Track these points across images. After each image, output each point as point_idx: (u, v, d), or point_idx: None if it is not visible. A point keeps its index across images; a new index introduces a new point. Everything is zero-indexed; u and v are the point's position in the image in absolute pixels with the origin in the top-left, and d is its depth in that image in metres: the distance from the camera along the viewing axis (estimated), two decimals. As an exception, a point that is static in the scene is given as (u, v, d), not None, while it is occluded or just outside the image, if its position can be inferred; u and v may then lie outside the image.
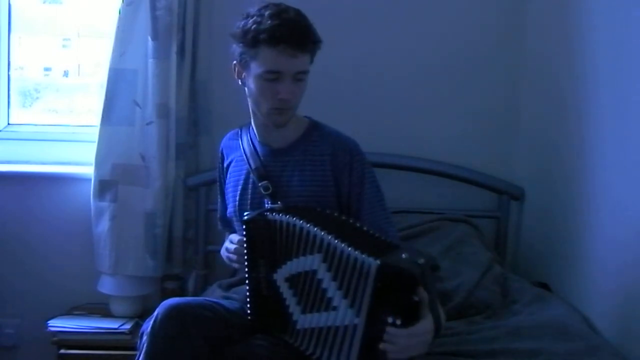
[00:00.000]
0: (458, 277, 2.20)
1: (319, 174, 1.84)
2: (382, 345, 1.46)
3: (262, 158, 1.88)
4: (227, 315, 1.72)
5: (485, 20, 2.66)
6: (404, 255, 1.49)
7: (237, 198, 1.91)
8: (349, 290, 1.54)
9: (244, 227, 1.71)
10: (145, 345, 1.64)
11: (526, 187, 2.64)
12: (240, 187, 1.91)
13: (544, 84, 2.57)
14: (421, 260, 1.48)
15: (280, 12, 1.73)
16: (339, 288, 1.56)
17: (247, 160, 1.89)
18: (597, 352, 1.79)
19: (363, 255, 1.51)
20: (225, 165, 2.00)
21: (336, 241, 1.57)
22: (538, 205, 2.58)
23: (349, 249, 1.54)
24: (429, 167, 2.60)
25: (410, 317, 1.48)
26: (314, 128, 1.90)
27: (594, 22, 2.21)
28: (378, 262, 1.48)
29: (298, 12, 1.76)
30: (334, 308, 1.57)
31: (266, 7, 1.75)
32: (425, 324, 1.49)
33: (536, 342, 1.85)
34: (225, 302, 1.81)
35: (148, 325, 1.67)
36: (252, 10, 1.76)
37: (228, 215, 1.99)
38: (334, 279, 1.58)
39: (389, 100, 2.65)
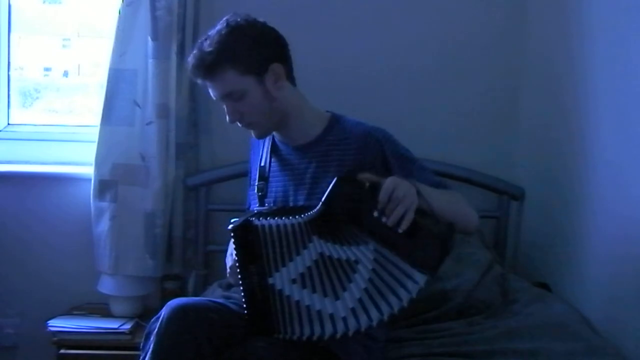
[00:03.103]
0: (458, 277, 2.20)
1: (344, 168, 1.80)
2: (389, 222, 1.53)
3: (285, 155, 1.88)
4: (231, 317, 1.72)
5: (486, 19, 2.66)
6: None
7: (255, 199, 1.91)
8: (346, 238, 1.59)
9: (231, 235, 1.70)
10: (151, 345, 1.64)
11: (526, 187, 2.64)
12: None
13: (544, 83, 2.57)
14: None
15: (200, 44, 1.76)
16: (342, 245, 1.59)
17: (261, 158, 1.91)
18: (597, 352, 1.79)
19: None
20: (251, 159, 2.00)
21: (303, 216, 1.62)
22: (538, 205, 2.58)
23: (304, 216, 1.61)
24: (429, 167, 2.59)
25: (377, 192, 1.55)
26: (336, 122, 1.87)
27: (594, 22, 2.21)
28: (319, 206, 1.59)
29: (213, 39, 1.74)
30: (357, 262, 1.59)
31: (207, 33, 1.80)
32: (389, 179, 1.57)
33: (536, 342, 1.85)
34: (228, 303, 1.81)
35: (155, 326, 1.67)
36: None
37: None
38: (334, 242, 1.60)
39: (387, 100, 2.65)
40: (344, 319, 1.60)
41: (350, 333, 1.60)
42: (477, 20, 2.66)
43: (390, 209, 1.54)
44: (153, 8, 2.43)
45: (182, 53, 2.49)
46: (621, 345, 1.87)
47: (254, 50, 1.76)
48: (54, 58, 2.99)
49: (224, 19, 1.78)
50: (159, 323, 1.64)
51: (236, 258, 1.70)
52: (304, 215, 1.61)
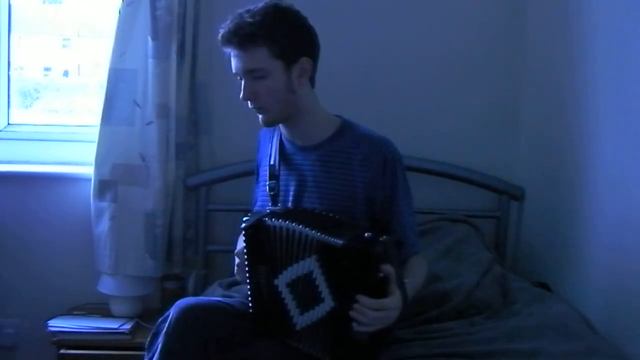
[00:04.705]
0: (458, 277, 2.20)
1: (347, 176, 1.80)
2: (351, 313, 1.53)
3: (290, 154, 1.87)
4: (237, 317, 1.73)
5: (486, 20, 2.66)
6: (367, 235, 1.56)
7: (265, 198, 1.92)
8: (331, 280, 1.61)
9: (243, 233, 1.71)
10: (160, 345, 1.65)
11: (526, 187, 2.64)
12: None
13: (544, 84, 2.57)
14: (383, 237, 1.57)
15: (240, 14, 1.74)
16: (325, 280, 1.62)
17: (269, 157, 1.90)
18: (597, 353, 1.79)
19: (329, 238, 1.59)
20: (259, 156, 2.00)
21: (322, 235, 1.61)
22: (538, 205, 2.58)
23: (322, 235, 1.60)
24: (429, 167, 2.60)
25: (376, 293, 1.55)
26: (345, 128, 1.86)
27: (595, 23, 2.21)
28: (340, 242, 1.55)
29: (257, 12, 1.73)
30: (322, 300, 1.62)
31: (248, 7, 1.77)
32: (393, 300, 1.57)
33: (536, 342, 1.85)
34: (235, 303, 1.81)
35: (163, 326, 1.68)
36: None
37: (255, 209, 1.96)
38: (323, 273, 1.62)
39: (388, 100, 2.65)
40: (298, 334, 1.67)
41: (303, 349, 1.67)
42: (477, 22, 2.66)
43: (362, 313, 1.54)
44: (153, 8, 2.43)
45: (182, 53, 2.49)
46: (621, 345, 1.87)
47: (293, 37, 1.75)
48: (54, 58, 2.99)
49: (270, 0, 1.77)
50: (167, 323, 1.66)
51: (245, 257, 1.70)
52: (317, 232, 1.61)
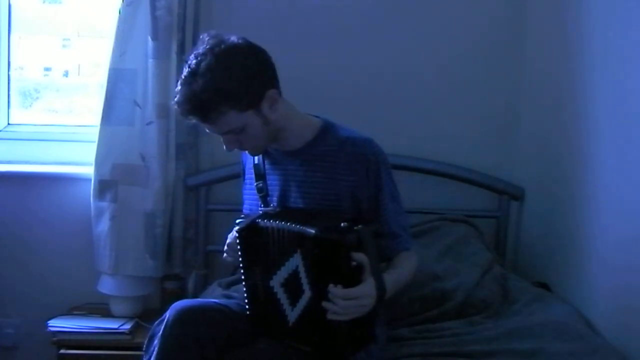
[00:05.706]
0: (458, 277, 2.20)
1: (331, 179, 1.78)
2: (323, 304, 1.54)
3: (274, 157, 1.86)
4: (234, 318, 1.73)
5: (486, 24, 2.67)
6: (342, 224, 1.57)
7: (253, 199, 1.91)
8: (311, 272, 1.62)
9: (237, 236, 1.71)
10: (156, 348, 1.65)
11: (526, 187, 2.65)
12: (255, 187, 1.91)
13: (543, 85, 2.57)
14: (358, 227, 1.57)
15: (187, 79, 1.66)
16: (306, 272, 1.63)
17: (253, 159, 1.89)
18: (597, 353, 1.79)
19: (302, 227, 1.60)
20: (243, 158, 1.98)
21: (299, 227, 1.61)
22: (538, 205, 2.58)
23: (299, 227, 1.61)
24: (430, 167, 2.60)
25: (350, 281, 1.55)
26: (327, 130, 1.83)
27: (593, 26, 2.21)
28: (312, 231, 1.56)
29: (203, 71, 1.63)
30: (304, 291, 1.63)
31: (189, 64, 1.68)
32: (365, 287, 1.57)
33: (536, 342, 1.85)
34: (231, 304, 1.81)
35: (159, 329, 1.68)
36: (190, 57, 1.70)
37: (244, 213, 1.95)
38: (304, 265, 1.63)
39: (389, 101, 2.65)
40: (291, 328, 1.66)
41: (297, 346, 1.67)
42: (477, 25, 2.66)
43: (337, 303, 1.55)
44: (153, 8, 2.43)
45: (182, 53, 2.48)
46: (622, 345, 1.87)
47: (250, 84, 1.67)
48: (54, 58, 2.99)
49: (206, 46, 1.67)
50: (163, 325, 1.65)
51: (240, 259, 1.71)
52: (299, 226, 1.61)
